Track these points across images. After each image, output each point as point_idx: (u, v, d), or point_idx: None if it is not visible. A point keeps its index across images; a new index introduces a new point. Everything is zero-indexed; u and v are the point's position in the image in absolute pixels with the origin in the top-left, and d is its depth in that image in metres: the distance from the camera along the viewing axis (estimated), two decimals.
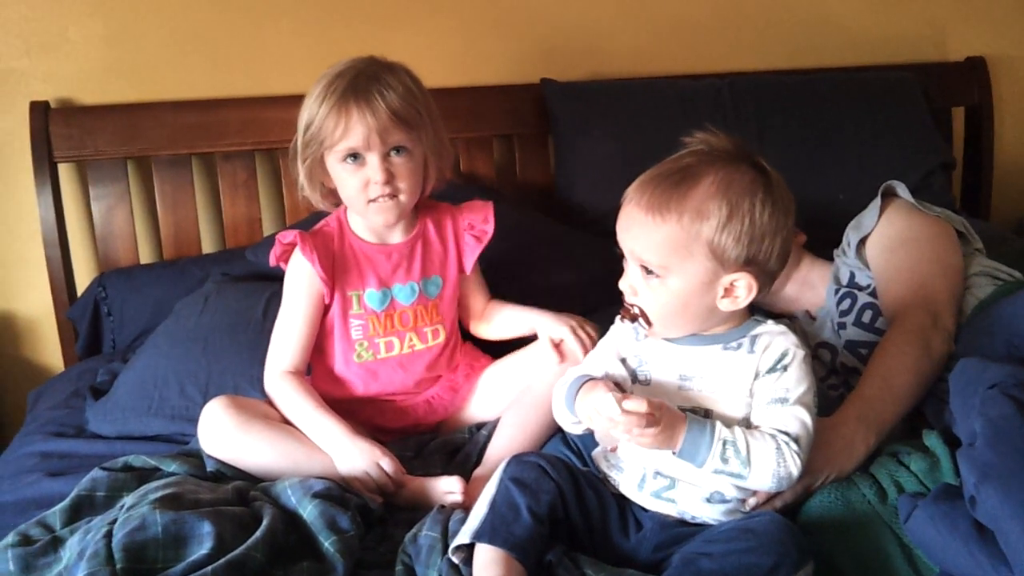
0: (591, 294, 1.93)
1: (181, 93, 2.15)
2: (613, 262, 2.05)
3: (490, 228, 1.62)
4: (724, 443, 1.12)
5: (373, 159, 1.47)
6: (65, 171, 2.12)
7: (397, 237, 1.60)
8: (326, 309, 1.56)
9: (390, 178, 1.48)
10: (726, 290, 1.16)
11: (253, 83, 2.17)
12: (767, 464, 1.11)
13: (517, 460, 1.22)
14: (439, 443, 1.56)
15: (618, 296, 1.95)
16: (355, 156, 1.47)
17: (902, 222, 1.59)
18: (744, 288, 1.16)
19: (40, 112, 2.05)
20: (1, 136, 2.09)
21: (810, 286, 1.73)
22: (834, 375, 1.57)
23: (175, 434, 1.61)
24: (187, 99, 2.14)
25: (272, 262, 1.58)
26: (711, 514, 1.19)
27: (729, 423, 1.15)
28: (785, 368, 1.17)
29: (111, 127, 2.08)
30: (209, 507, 1.19)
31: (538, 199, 2.24)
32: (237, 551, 1.09)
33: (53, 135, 2.05)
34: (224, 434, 1.41)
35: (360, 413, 1.55)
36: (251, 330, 1.73)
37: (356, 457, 1.40)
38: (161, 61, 2.14)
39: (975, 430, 1.06)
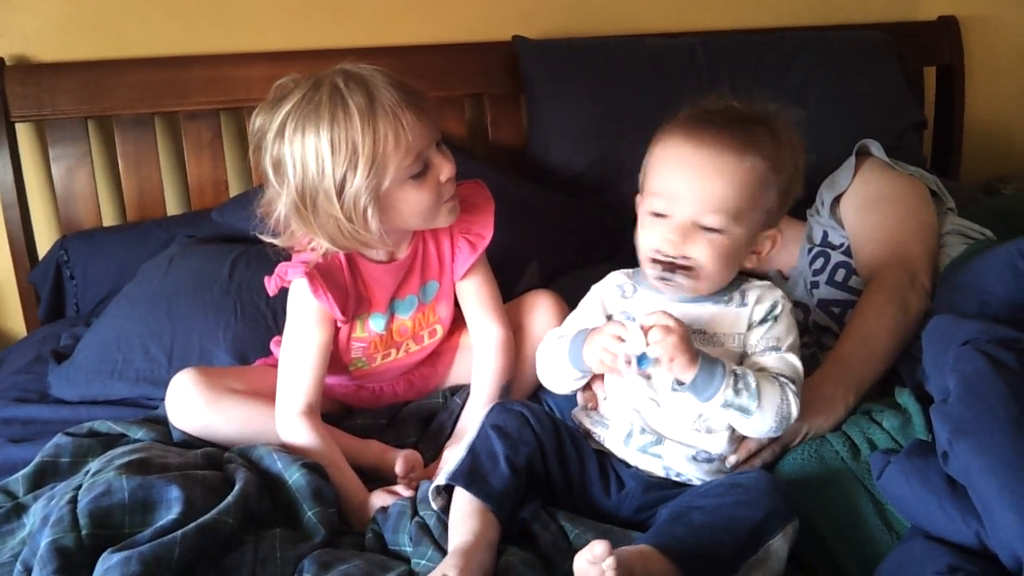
0: (564, 254, 1.92)
1: (144, 49, 2.08)
2: (586, 221, 2.06)
3: (488, 233, 1.45)
4: (735, 375, 1.12)
5: (436, 154, 1.32)
6: (23, 131, 2.06)
7: (404, 248, 1.44)
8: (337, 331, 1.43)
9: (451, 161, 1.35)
10: (758, 245, 1.20)
11: (220, 39, 2.11)
12: (772, 401, 1.13)
13: (501, 407, 1.21)
14: (412, 409, 1.52)
15: (590, 257, 1.97)
16: (422, 171, 1.31)
17: (877, 181, 1.58)
18: (771, 243, 1.21)
19: None
20: None
21: (783, 246, 1.72)
22: (807, 334, 1.57)
23: (140, 397, 1.58)
24: (151, 56, 2.07)
25: (271, 293, 1.39)
26: (696, 473, 1.19)
27: None
28: (776, 318, 1.20)
29: (71, 85, 2.01)
30: (177, 471, 1.17)
31: (510, 159, 2.21)
32: (207, 515, 1.07)
33: (9, 94, 1.98)
34: (193, 410, 1.36)
35: (337, 389, 1.51)
36: (216, 290, 1.69)
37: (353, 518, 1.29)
38: (123, 16, 2.07)
39: (948, 386, 1.06)
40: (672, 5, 2.36)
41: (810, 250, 1.64)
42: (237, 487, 1.16)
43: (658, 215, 1.17)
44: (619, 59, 2.20)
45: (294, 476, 1.22)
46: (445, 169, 1.33)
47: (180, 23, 2.10)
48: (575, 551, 0.98)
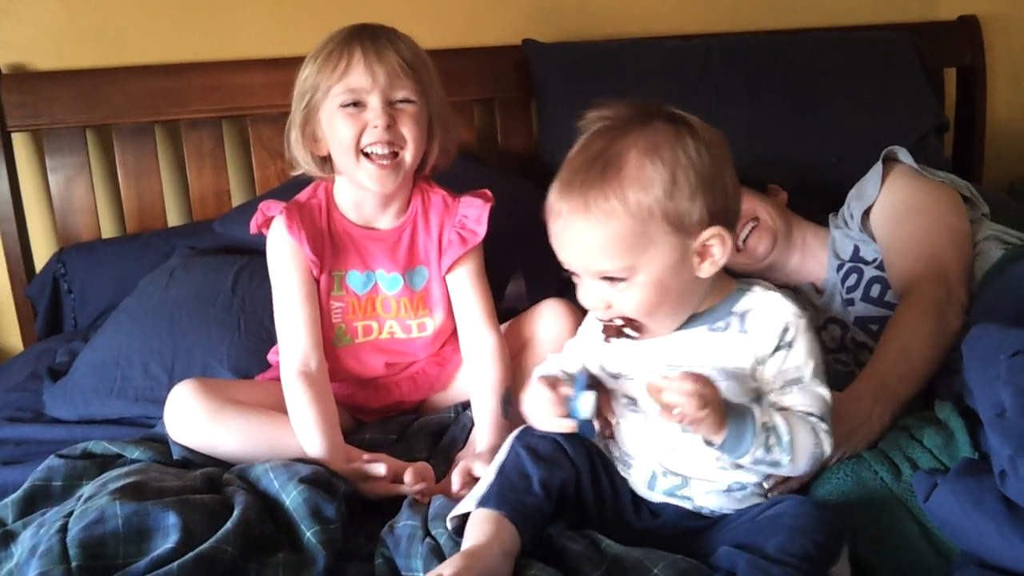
0: None
1: (144, 57, 2.04)
2: None
3: (481, 231, 1.45)
4: (767, 429, 1.00)
5: (375, 101, 1.35)
6: (20, 141, 2.02)
7: (385, 223, 1.47)
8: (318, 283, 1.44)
9: (391, 124, 1.35)
10: (700, 255, 1.03)
11: (221, 46, 2.07)
12: (806, 449, 1.02)
13: (531, 430, 1.13)
14: (422, 424, 1.47)
15: None
16: (356, 103, 1.36)
17: (906, 190, 1.53)
18: (719, 244, 1.03)
19: None
20: None
21: (811, 254, 1.67)
22: (844, 352, 1.51)
23: (139, 417, 1.53)
24: (150, 63, 2.03)
25: (253, 229, 1.45)
26: (730, 504, 1.11)
27: None
28: (790, 345, 1.05)
29: (68, 94, 1.98)
30: (175, 496, 1.10)
31: (521, 165, 2.15)
32: (206, 544, 1.01)
33: (6, 103, 1.95)
34: (193, 422, 1.31)
35: (339, 392, 1.45)
36: (220, 305, 1.64)
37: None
38: (122, 23, 2.04)
39: (1002, 400, 0.99)
40: (686, 7, 2.30)
41: (840, 266, 1.58)
42: (236, 512, 1.09)
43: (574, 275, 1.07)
44: (632, 62, 2.15)
45: (291, 495, 1.16)
46: (374, 119, 1.35)
47: (180, 30, 2.07)
48: (607, 558, 0.93)
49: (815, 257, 1.66)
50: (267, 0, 2.08)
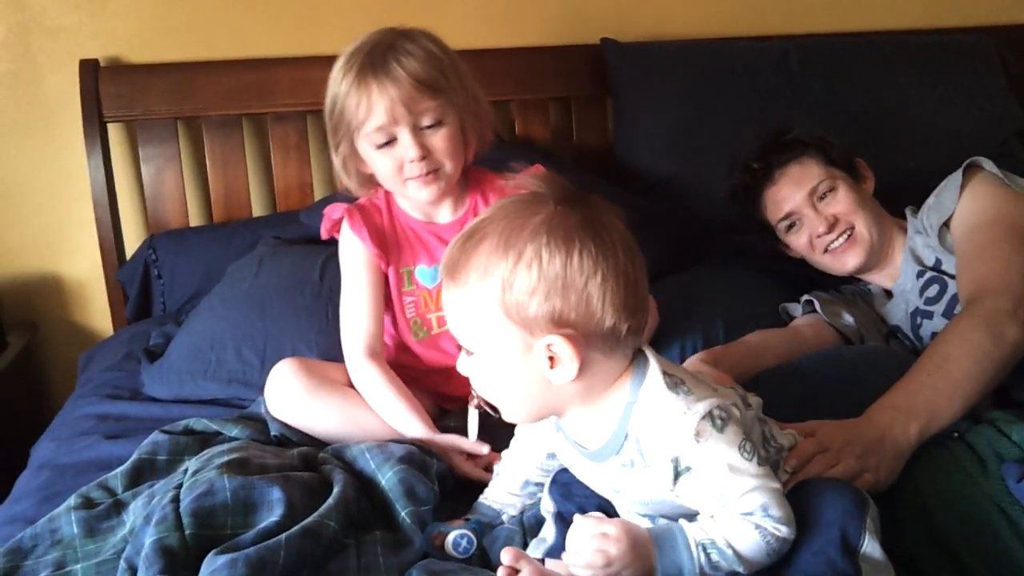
0: (650, 258, 1.86)
1: (233, 52, 2.10)
2: (673, 225, 2.00)
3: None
4: (702, 547, 0.93)
5: (404, 135, 1.38)
6: (115, 131, 2.08)
7: (445, 216, 1.51)
8: (387, 280, 1.49)
9: (427, 153, 1.39)
10: (549, 358, 0.94)
11: (307, 41, 2.11)
12: (756, 550, 0.93)
13: (558, 483, 1.12)
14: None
15: (677, 261, 1.90)
16: (388, 142, 1.39)
17: (988, 199, 1.46)
18: (565, 353, 0.93)
19: (90, 71, 2.01)
20: (51, 95, 2.06)
21: (890, 259, 1.64)
22: None
23: (232, 398, 1.58)
24: (239, 58, 2.09)
25: (324, 235, 1.53)
26: None
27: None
28: (689, 469, 0.94)
29: (161, 86, 2.04)
30: (276, 472, 1.15)
31: (595, 163, 2.17)
32: (310, 518, 1.05)
33: (103, 94, 2.01)
34: (294, 398, 1.36)
35: (424, 380, 1.50)
36: (308, 293, 1.68)
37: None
38: (212, 18, 2.09)
39: None
40: (764, 8, 2.30)
41: (921, 272, 1.54)
42: (336, 489, 1.13)
43: None
44: (708, 63, 2.15)
45: (387, 475, 1.19)
46: (406, 153, 1.38)
47: (267, 25, 2.12)
48: None
49: (893, 261, 1.63)
50: None
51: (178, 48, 2.09)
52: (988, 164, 1.51)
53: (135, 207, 2.13)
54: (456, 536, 1.11)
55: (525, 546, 1.12)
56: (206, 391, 1.58)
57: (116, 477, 1.24)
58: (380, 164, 1.42)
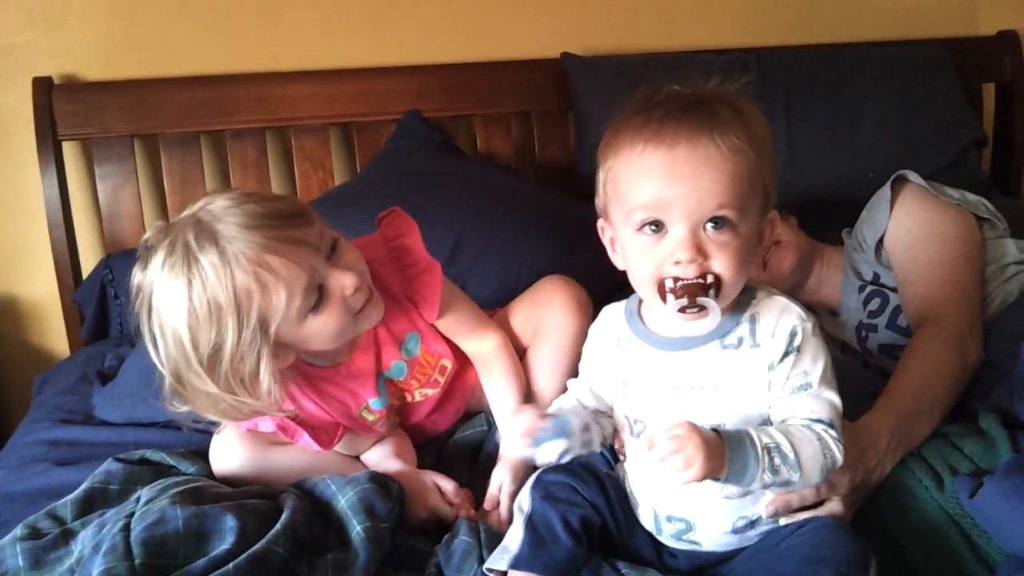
0: (614, 273, 1.86)
1: (190, 68, 2.08)
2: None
3: (434, 266, 1.33)
4: (769, 451, 0.96)
5: (331, 272, 1.18)
6: (70, 149, 2.06)
7: (346, 353, 1.33)
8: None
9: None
10: (763, 237, 1.02)
11: (265, 57, 2.10)
12: (815, 460, 0.97)
13: (542, 475, 1.13)
14: (458, 442, 1.47)
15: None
16: (317, 298, 1.18)
17: (921, 214, 1.47)
18: (769, 230, 1.04)
19: (44, 88, 1.98)
20: (4, 113, 2.03)
21: (828, 277, 1.67)
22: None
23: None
24: (196, 75, 2.07)
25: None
26: (741, 542, 1.09)
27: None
28: (798, 350, 1.02)
29: (117, 104, 2.02)
30: (231, 500, 1.12)
31: (558, 176, 2.18)
32: (258, 545, 1.03)
33: (57, 112, 1.98)
34: (241, 469, 1.29)
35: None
36: None
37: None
38: (169, 35, 2.07)
39: None
40: (724, 21, 2.32)
41: (862, 287, 1.56)
42: (285, 515, 1.11)
43: (655, 230, 0.99)
44: (669, 76, 2.12)
45: (347, 495, 1.17)
46: (346, 283, 1.16)
47: (226, 42, 2.10)
48: None
49: (831, 279, 1.66)
50: (312, 13, 2.11)
51: (135, 65, 2.06)
52: (914, 177, 1.52)
53: (91, 226, 2.10)
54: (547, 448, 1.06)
55: (482, 561, 1.10)
56: (160, 413, 1.50)
57: (66, 506, 1.21)
58: (323, 327, 1.18)
